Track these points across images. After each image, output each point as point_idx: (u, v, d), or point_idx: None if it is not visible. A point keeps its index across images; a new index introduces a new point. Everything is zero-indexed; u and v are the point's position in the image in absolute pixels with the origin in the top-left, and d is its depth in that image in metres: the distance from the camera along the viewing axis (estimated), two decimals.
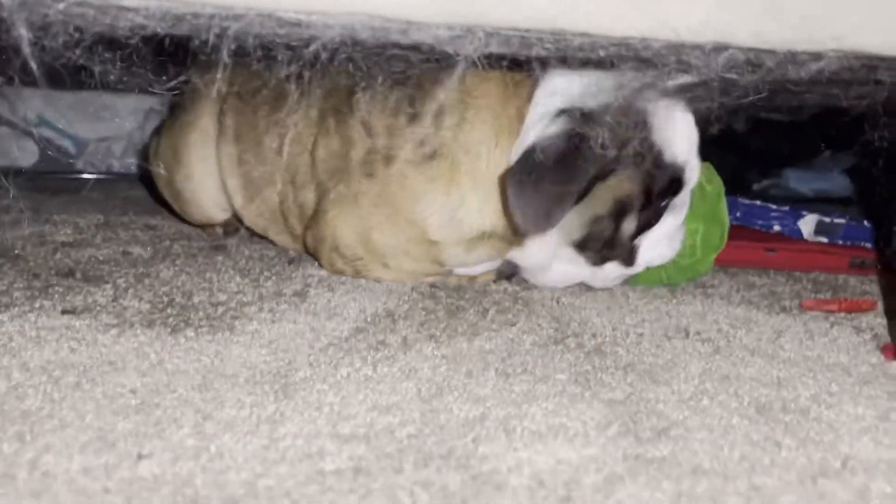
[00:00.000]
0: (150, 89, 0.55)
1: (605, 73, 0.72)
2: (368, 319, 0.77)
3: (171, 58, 0.53)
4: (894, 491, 0.48)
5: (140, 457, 0.47)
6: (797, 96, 0.74)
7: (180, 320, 0.73)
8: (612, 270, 0.86)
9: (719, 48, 0.52)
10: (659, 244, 0.85)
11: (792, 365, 0.70)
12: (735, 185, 1.43)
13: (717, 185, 0.94)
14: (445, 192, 0.81)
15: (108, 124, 1.89)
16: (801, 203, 1.55)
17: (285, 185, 0.96)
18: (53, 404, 0.53)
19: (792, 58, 0.54)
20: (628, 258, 0.85)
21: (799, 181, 1.86)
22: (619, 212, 0.80)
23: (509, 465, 0.48)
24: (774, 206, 1.21)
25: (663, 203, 0.82)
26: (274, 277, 0.91)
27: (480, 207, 0.82)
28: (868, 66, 0.58)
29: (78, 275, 0.88)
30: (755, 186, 1.83)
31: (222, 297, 0.82)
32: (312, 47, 0.50)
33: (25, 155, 1.84)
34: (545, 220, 0.73)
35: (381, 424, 0.53)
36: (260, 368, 0.62)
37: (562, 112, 0.74)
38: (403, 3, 0.46)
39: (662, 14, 0.48)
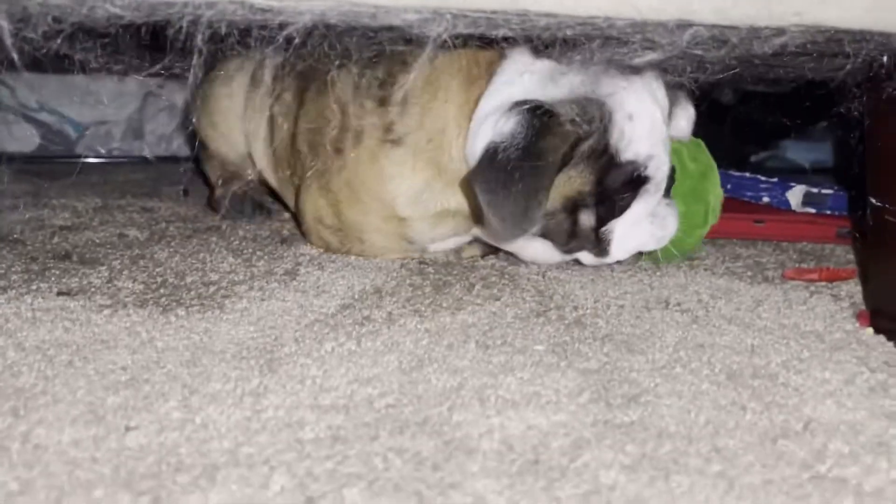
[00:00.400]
0: (133, 75, 0.56)
1: (567, 62, 0.73)
2: (356, 296, 0.79)
3: (150, 45, 0.55)
4: (851, 451, 0.50)
5: (127, 429, 0.49)
6: (771, 69, 0.75)
7: (172, 300, 0.76)
8: (588, 258, 0.87)
9: (683, 25, 0.53)
10: (635, 231, 0.84)
11: (767, 333, 0.71)
12: (732, 158, 1.44)
13: (703, 163, 0.94)
14: (411, 176, 0.83)
15: (108, 109, 1.91)
16: (799, 174, 1.56)
17: (285, 156, 0.99)
18: (47, 381, 0.55)
19: (755, 33, 0.55)
20: (599, 248, 0.85)
21: (796, 152, 1.87)
22: (572, 208, 0.80)
23: (481, 430, 0.51)
24: (763, 178, 1.22)
25: (623, 197, 0.81)
26: (266, 257, 0.93)
27: (444, 189, 0.84)
28: (833, 40, 0.59)
29: (74, 258, 0.90)
30: (752, 158, 1.84)
31: (214, 277, 0.84)
32: (286, 31, 0.52)
33: (26, 140, 1.86)
34: (523, 222, 0.74)
35: (360, 395, 0.55)
36: (247, 345, 0.64)
37: (516, 105, 0.74)
38: None
39: None
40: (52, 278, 0.81)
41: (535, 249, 0.87)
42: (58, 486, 0.42)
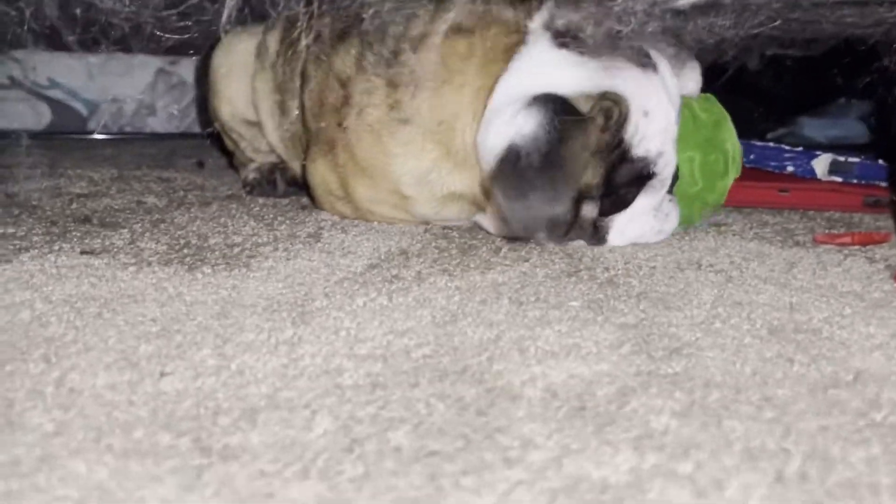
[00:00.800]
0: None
1: (586, 51, 0.71)
2: (382, 257, 0.78)
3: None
4: None
5: (162, 374, 0.48)
6: (811, 25, 0.73)
7: (197, 259, 0.74)
8: (582, 245, 0.84)
9: None
10: (635, 224, 0.82)
11: (804, 292, 0.70)
12: (749, 134, 1.42)
13: (715, 113, 0.91)
14: (417, 157, 0.81)
15: (119, 86, 1.90)
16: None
17: (295, 131, 0.97)
18: (77, 331, 0.54)
19: None
20: (596, 237, 0.82)
21: (813, 129, 1.84)
22: (577, 199, 0.77)
23: (523, 379, 0.49)
24: (788, 147, 1.20)
25: (629, 191, 0.80)
26: (288, 222, 0.92)
27: (452, 172, 0.81)
28: None
29: (95, 221, 0.89)
30: (770, 135, 1.81)
31: (237, 240, 0.83)
32: None
33: (38, 117, 1.85)
34: (544, 228, 0.74)
35: (396, 346, 0.54)
36: (277, 299, 0.63)
37: (535, 99, 0.72)
38: None
39: None
40: (74, 239, 0.80)
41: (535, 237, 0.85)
42: (95, 426, 0.41)
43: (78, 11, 0.53)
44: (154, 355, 0.51)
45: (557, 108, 0.72)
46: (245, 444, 0.40)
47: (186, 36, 0.62)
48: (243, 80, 1.04)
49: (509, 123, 0.73)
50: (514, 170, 0.72)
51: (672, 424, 0.44)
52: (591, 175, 0.76)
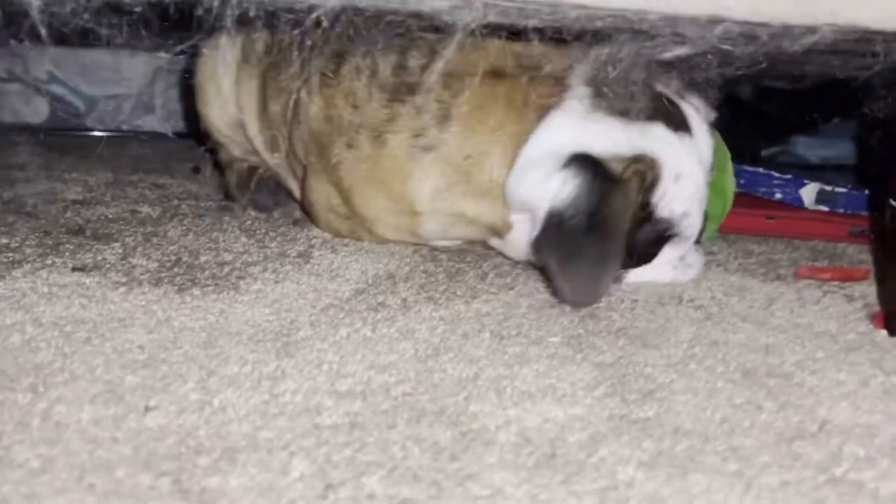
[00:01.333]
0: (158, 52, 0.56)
1: (624, 109, 0.73)
2: (370, 281, 0.79)
3: (177, 23, 0.54)
4: (867, 454, 0.50)
5: (147, 409, 0.49)
6: (796, 66, 0.74)
7: (187, 279, 0.76)
8: None
9: (714, 21, 0.53)
10: (654, 270, 0.83)
11: (781, 332, 0.71)
12: (743, 152, 1.43)
13: (721, 156, 0.93)
14: (437, 178, 0.81)
15: (118, 82, 1.90)
16: (808, 170, 1.55)
17: (283, 141, 0.97)
18: (65, 358, 0.56)
19: (786, 31, 0.54)
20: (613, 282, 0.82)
21: (807, 148, 1.86)
22: None
23: (498, 422, 0.51)
24: (777, 174, 1.21)
25: (649, 250, 0.81)
26: (279, 238, 0.93)
27: (467, 196, 0.82)
28: (864, 40, 0.58)
29: (88, 233, 0.90)
30: (763, 153, 1.83)
31: (228, 257, 0.84)
32: (314, 14, 0.51)
33: (36, 112, 1.85)
34: (596, 289, 0.74)
35: (377, 382, 0.55)
36: (263, 327, 0.64)
37: (571, 161, 0.72)
38: None
39: None
40: (67, 253, 0.81)
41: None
42: (79, 464, 0.43)
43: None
44: (139, 387, 0.52)
45: (594, 170, 0.72)
46: (224, 486, 0.42)
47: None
48: (228, 79, 1.04)
49: (544, 183, 0.73)
50: (559, 234, 0.72)
51: (638, 476, 0.46)
52: None
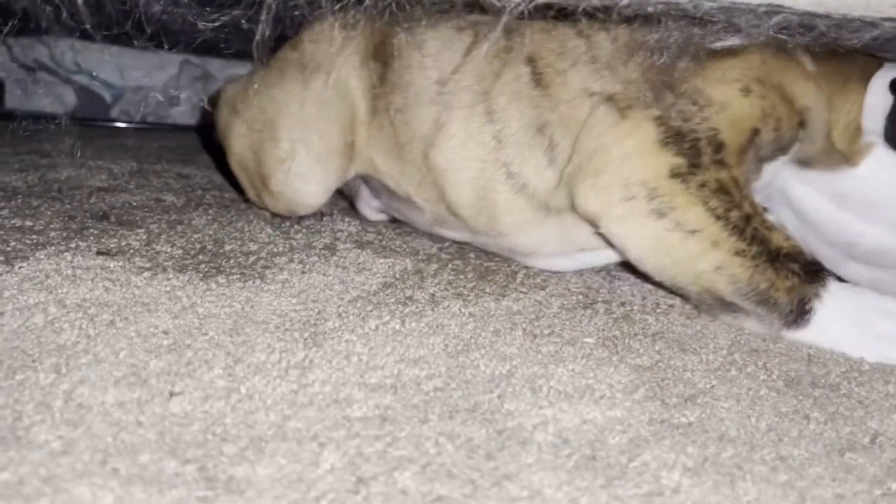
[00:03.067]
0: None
1: None
2: (397, 276, 0.77)
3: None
4: None
5: (172, 394, 0.47)
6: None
7: (212, 267, 0.74)
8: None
9: (772, 11, 0.50)
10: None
11: None
12: None
13: None
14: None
15: (145, 74, 1.90)
16: None
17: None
18: (88, 340, 0.54)
19: (846, 23, 0.52)
20: None
21: None
22: None
23: (534, 421, 0.49)
24: None
25: None
26: (304, 231, 0.92)
27: None
28: None
29: (112, 218, 0.89)
30: None
31: (253, 247, 0.82)
32: None
33: (62, 102, 1.86)
34: None
35: (407, 376, 0.53)
36: (290, 316, 0.62)
37: None
38: None
39: None
40: (91, 238, 0.80)
41: None
42: (102, 448, 0.41)
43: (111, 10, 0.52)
44: (164, 372, 0.50)
45: None
46: (251, 476, 0.40)
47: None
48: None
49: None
50: None
51: (684, 482, 0.43)
52: None
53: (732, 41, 0.54)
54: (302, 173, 0.90)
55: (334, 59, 0.89)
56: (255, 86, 0.91)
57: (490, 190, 0.82)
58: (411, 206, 0.92)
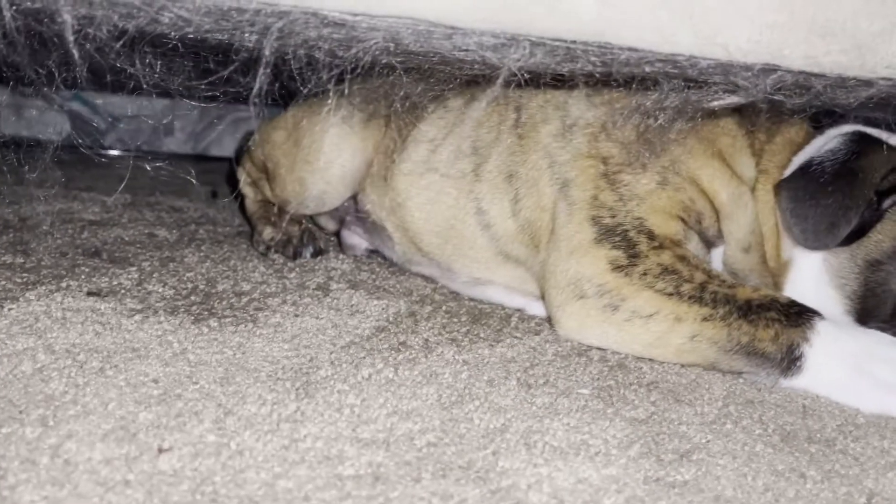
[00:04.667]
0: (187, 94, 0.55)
1: None
2: (390, 319, 0.77)
3: (208, 68, 0.53)
4: None
5: (161, 450, 0.47)
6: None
7: (204, 308, 0.73)
8: None
9: (768, 70, 0.51)
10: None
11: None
12: None
13: None
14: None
15: (139, 103, 1.90)
16: None
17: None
18: (77, 389, 0.53)
19: (842, 83, 0.52)
20: None
21: None
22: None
23: (529, 481, 0.48)
24: None
25: None
26: (297, 269, 0.91)
27: None
28: None
29: (104, 255, 0.88)
30: None
31: (246, 287, 0.82)
32: (353, 50, 0.50)
33: (56, 129, 1.85)
34: (826, 236, 0.68)
35: (400, 430, 0.53)
36: (282, 364, 0.62)
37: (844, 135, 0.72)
38: (449, 9, 0.46)
39: (712, 32, 0.47)
40: (82, 276, 0.79)
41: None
42: None
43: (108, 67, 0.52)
44: (153, 425, 0.49)
45: (863, 137, 0.72)
46: None
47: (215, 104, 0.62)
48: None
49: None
50: (802, 175, 0.72)
51: None
52: None
53: (731, 100, 0.54)
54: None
55: None
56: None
57: (459, 221, 0.86)
58: (385, 238, 0.96)
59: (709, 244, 0.76)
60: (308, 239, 0.99)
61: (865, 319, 0.72)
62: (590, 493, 0.47)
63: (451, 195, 0.87)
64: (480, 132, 0.88)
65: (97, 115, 1.88)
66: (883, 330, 0.69)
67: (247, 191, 1.10)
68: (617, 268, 0.71)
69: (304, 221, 1.03)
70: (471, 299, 0.88)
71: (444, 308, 0.83)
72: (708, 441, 0.57)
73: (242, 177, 1.10)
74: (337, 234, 1.08)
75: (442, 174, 0.88)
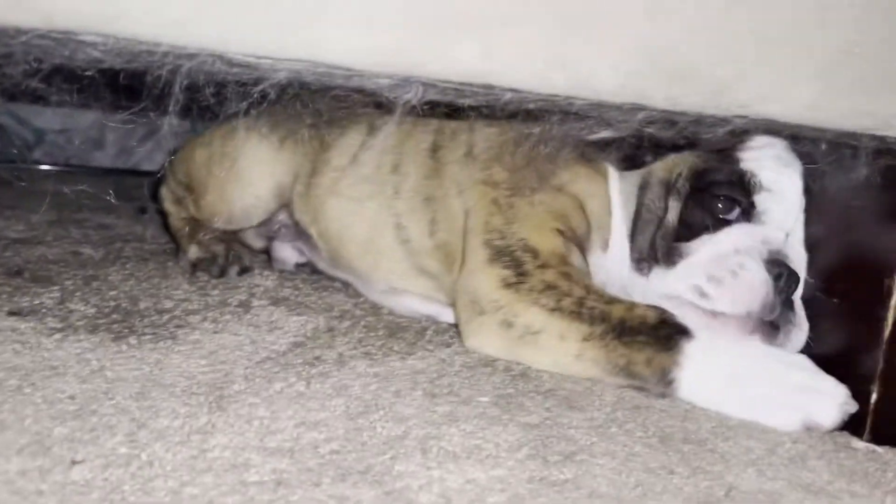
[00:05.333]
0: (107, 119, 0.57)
1: None
2: (308, 334, 0.80)
3: (126, 89, 0.56)
4: None
5: (73, 462, 0.50)
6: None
7: (124, 327, 0.76)
8: None
9: (636, 108, 0.57)
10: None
11: None
12: None
13: None
14: None
15: (69, 116, 1.89)
16: None
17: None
18: None
19: (702, 120, 0.59)
20: None
21: None
22: None
23: (421, 482, 0.52)
24: None
25: None
26: (220, 286, 0.94)
27: None
28: (772, 130, 0.63)
29: (27, 274, 0.90)
30: None
31: (168, 305, 0.84)
32: (261, 87, 0.54)
33: None
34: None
35: (306, 439, 0.57)
36: (197, 379, 0.65)
37: None
38: (346, 54, 0.50)
39: (584, 77, 0.53)
40: (3, 296, 0.81)
41: None
42: None
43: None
44: (67, 439, 0.52)
45: None
46: None
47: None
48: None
49: None
50: None
51: None
52: None
53: (606, 134, 0.60)
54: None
55: None
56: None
57: (379, 234, 0.93)
58: (313, 245, 1.02)
59: (585, 254, 0.83)
60: (234, 258, 1.02)
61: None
62: (476, 493, 0.52)
63: (371, 209, 0.93)
64: (402, 150, 0.93)
65: (24, 127, 1.86)
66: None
67: (170, 208, 1.12)
68: (507, 285, 0.77)
69: (230, 241, 1.06)
70: (390, 313, 0.92)
71: (362, 322, 0.87)
72: (592, 443, 0.62)
73: (166, 195, 1.12)
74: (266, 250, 1.12)
75: (359, 192, 0.93)
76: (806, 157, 0.76)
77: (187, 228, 1.08)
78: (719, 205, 0.79)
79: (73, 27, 0.46)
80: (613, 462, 0.59)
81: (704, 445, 0.64)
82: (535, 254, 0.78)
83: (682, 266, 0.79)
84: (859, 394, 0.69)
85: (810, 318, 0.78)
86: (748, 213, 0.79)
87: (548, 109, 0.58)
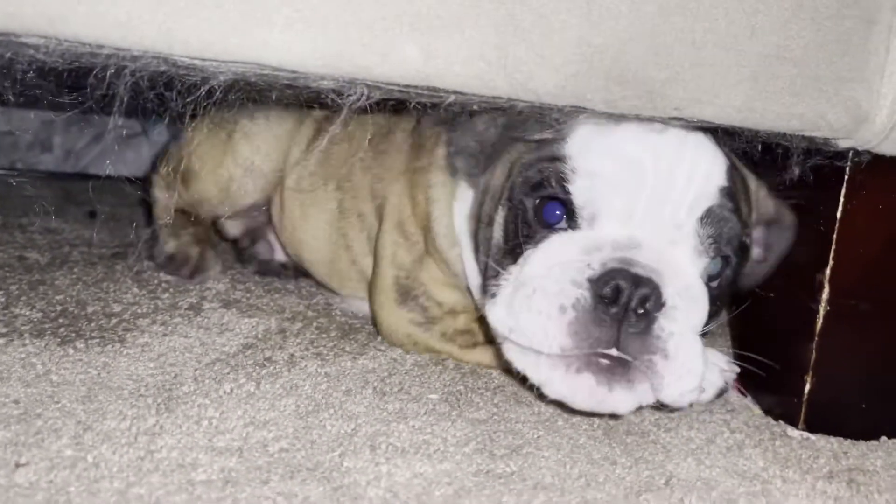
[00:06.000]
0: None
1: None
2: (260, 336, 0.81)
3: (71, 86, 0.56)
4: None
5: (18, 465, 0.49)
6: None
7: (71, 331, 0.75)
8: None
9: (576, 110, 0.59)
10: None
11: None
12: None
13: None
14: None
15: (16, 118, 1.84)
16: None
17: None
18: None
19: (641, 122, 0.61)
20: None
21: None
22: None
23: (369, 478, 0.53)
24: None
25: None
26: (171, 289, 0.94)
27: None
28: (708, 130, 0.66)
29: None
30: None
31: (117, 308, 0.84)
32: (207, 86, 0.54)
33: None
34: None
35: (255, 439, 0.57)
36: (146, 381, 0.65)
37: None
38: (290, 56, 0.51)
39: (524, 80, 0.55)
40: None
41: None
42: None
43: None
44: (12, 443, 0.52)
45: None
46: None
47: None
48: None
49: None
50: None
51: None
52: None
53: (547, 135, 0.62)
54: None
55: None
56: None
57: (337, 257, 0.94)
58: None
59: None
60: (206, 266, 1.03)
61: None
62: (423, 486, 0.53)
63: (324, 230, 0.95)
64: (340, 169, 0.94)
65: None
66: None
67: (158, 195, 1.11)
68: (418, 324, 0.82)
69: (205, 246, 1.06)
70: (342, 314, 0.93)
71: (314, 324, 0.87)
72: (538, 437, 0.64)
73: (157, 181, 1.11)
74: (243, 248, 1.13)
75: (311, 201, 0.95)
76: (744, 158, 0.78)
77: (170, 220, 1.08)
78: (534, 209, 0.65)
79: (14, 29, 0.46)
80: (559, 454, 0.61)
81: (647, 437, 0.66)
82: (439, 304, 0.82)
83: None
84: (794, 385, 0.72)
85: (745, 313, 0.81)
86: (572, 216, 0.64)
87: (492, 110, 0.59)
